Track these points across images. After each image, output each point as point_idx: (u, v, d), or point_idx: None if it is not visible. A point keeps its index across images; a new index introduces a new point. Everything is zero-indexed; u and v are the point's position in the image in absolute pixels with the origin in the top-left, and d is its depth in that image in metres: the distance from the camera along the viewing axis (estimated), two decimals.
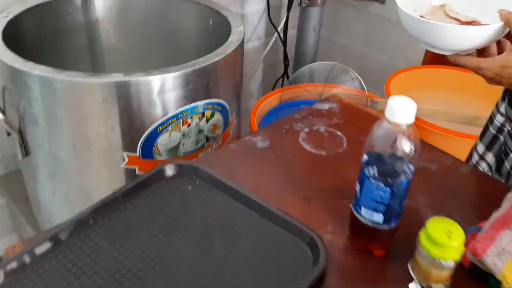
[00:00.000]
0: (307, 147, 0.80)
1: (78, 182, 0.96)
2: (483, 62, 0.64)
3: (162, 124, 0.92)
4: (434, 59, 1.74)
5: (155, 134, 0.92)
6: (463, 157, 0.97)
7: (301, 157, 0.78)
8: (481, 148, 0.89)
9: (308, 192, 0.70)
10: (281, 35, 1.80)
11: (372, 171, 0.56)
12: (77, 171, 0.94)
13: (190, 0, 1.24)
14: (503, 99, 0.83)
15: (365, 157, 0.57)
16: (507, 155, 0.82)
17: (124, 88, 0.86)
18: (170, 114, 0.92)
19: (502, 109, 0.83)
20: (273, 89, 1.94)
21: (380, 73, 1.86)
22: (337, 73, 1.48)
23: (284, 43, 1.82)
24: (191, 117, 0.96)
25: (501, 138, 0.85)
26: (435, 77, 1.66)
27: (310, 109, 0.90)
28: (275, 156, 0.77)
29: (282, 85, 1.93)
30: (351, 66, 1.97)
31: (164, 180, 0.66)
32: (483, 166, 0.89)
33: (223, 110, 1.02)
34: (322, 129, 0.85)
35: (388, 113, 0.53)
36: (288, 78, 1.90)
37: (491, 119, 0.87)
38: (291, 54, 1.83)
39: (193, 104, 0.94)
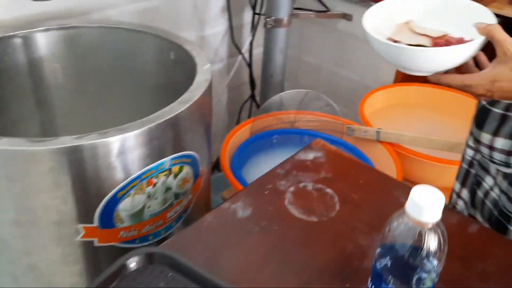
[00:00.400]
0: (295, 212, 0.69)
1: (26, 261, 0.81)
2: (470, 79, 0.60)
3: (122, 188, 0.79)
4: (407, 76, 1.68)
5: (115, 201, 0.79)
6: (447, 183, 0.94)
7: (290, 228, 0.67)
8: (457, 186, 0.86)
9: (306, 275, 0.59)
10: (246, 56, 1.69)
11: (390, 276, 0.45)
12: (24, 250, 0.80)
13: (147, 33, 1.11)
14: (473, 126, 0.78)
15: (379, 251, 0.47)
16: (479, 184, 0.78)
17: (76, 153, 0.72)
18: (132, 176, 0.79)
19: (471, 142, 0.79)
20: (239, 112, 1.84)
21: (352, 92, 1.79)
22: (309, 100, 1.39)
23: (250, 65, 1.71)
24: (157, 176, 0.83)
25: (473, 171, 0.81)
26: (410, 95, 1.60)
27: (293, 161, 0.80)
28: (261, 229, 0.66)
29: (250, 108, 1.82)
30: (320, 86, 1.89)
31: (130, 277, 0.54)
32: (460, 204, 0.85)
33: (192, 162, 0.90)
34: (310, 186, 0.74)
35: (412, 210, 0.43)
36: (255, 100, 1.80)
37: (462, 156, 0.84)
38: (256, 74, 1.73)
39: (158, 162, 0.82)
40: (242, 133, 1.37)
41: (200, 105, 0.87)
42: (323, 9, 1.67)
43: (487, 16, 0.63)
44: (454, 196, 0.87)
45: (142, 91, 1.18)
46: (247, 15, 1.69)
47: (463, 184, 0.84)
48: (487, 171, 0.76)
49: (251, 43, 1.66)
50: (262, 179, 0.76)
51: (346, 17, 1.66)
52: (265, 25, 1.54)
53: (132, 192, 0.81)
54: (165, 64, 1.11)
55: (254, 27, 1.64)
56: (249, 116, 1.82)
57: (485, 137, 0.72)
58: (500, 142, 0.69)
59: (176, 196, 0.90)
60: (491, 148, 0.71)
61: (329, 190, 0.74)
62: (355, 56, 1.72)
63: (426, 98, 1.59)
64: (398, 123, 1.46)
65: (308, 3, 1.70)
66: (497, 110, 0.71)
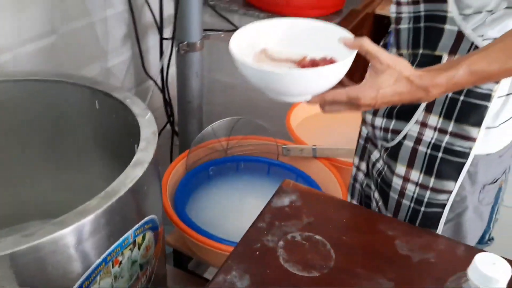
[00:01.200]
0: (295, 270, 0.66)
1: None
2: (357, 91, 0.61)
3: (87, 278, 0.68)
4: None
5: None
6: None
7: None
8: (356, 160, 0.94)
9: None
10: (158, 82, 1.60)
11: None
12: None
13: (62, 82, 0.97)
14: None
15: None
16: (369, 157, 0.88)
17: (24, 257, 0.60)
18: (96, 262, 0.68)
19: (368, 120, 0.85)
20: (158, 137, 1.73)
21: (272, 105, 1.78)
22: (242, 125, 1.35)
23: (163, 90, 1.62)
24: (122, 253, 0.73)
25: (368, 146, 0.91)
26: None
27: (271, 210, 0.76)
28: None
29: (172, 135, 1.73)
30: (237, 104, 1.86)
31: None
32: (360, 176, 0.93)
33: (153, 225, 0.81)
34: (298, 236, 0.71)
35: (477, 280, 0.42)
36: (172, 126, 1.71)
37: (359, 133, 0.92)
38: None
39: (122, 238, 0.72)
40: (177, 169, 1.29)
41: (155, 162, 0.78)
42: (232, 28, 1.64)
43: (343, 34, 0.65)
44: (355, 169, 0.95)
45: (66, 147, 1.04)
46: (153, 40, 1.60)
47: (361, 158, 0.93)
48: (375, 145, 0.85)
49: (161, 69, 1.57)
50: (246, 238, 0.71)
51: None
52: (178, 50, 1.46)
53: (98, 278, 0.70)
54: (91, 112, 0.98)
55: (162, 52, 1.55)
56: (171, 145, 1.73)
57: (368, 118, 0.82)
58: (379, 121, 0.79)
59: (141, 267, 0.80)
60: (373, 126, 0.80)
61: (318, 237, 0.71)
62: None
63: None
64: (327, 131, 1.50)
65: (215, 24, 1.66)
66: None
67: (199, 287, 1.28)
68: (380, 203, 0.83)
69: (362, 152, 0.93)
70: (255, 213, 1.33)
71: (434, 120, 0.73)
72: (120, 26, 1.47)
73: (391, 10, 0.74)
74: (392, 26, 0.75)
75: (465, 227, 0.78)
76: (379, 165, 0.84)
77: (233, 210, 1.32)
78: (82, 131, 1.02)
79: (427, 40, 0.70)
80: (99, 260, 0.69)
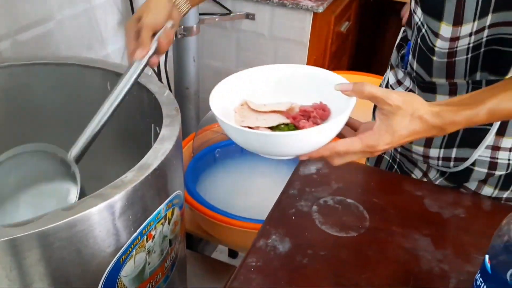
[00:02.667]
0: (333, 231, 0.67)
1: None
2: (370, 139, 0.56)
3: (124, 252, 0.67)
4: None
5: (117, 269, 0.67)
6: None
7: (336, 249, 0.64)
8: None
9: None
10: (154, 68, 1.58)
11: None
12: None
13: (71, 65, 0.95)
14: None
15: (494, 250, 0.47)
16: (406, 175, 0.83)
17: (64, 232, 0.59)
18: (134, 235, 0.68)
19: (419, 151, 0.80)
20: None
21: None
22: None
23: (160, 76, 1.60)
24: (155, 227, 0.73)
25: (386, 157, 0.87)
26: None
27: (300, 178, 0.77)
28: (309, 259, 0.62)
29: None
30: None
31: None
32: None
33: (180, 201, 0.81)
34: (330, 201, 0.72)
35: None
36: None
37: None
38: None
39: (155, 211, 0.71)
40: (183, 154, 1.28)
41: (179, 139, 0.78)
42: (225, 11, 1.63)
43: (332, 78, 0.59)
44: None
45: (76, 132, 1.02)
46: None
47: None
48: (415, 164, 0.82)
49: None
50: (281, 204, 0.71)
51: (249, 16, 1.65)
52: (175, 35, 1.45)
53: (134, 252, 0.69)
54: (101, 97, 0.97)
55: None
56: None
57: (417, 149, 0.76)
58: (435, 152, 0.73)
59: (170, 242, 0.80)
60: (426, 157, 0.75)
61: (350, 200, 0.72)
62: (263, 54, 1.73)
63: None
64: None
65: (208, 8, 1.65)
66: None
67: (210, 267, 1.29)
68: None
69: (377, 162, 0.89)
70: (262, 193, 1.35)
71: (508, 142, 0.70)
72: (117, 12, 1.44)
73: (438, 46, 0.66)
74: (439, 60, 0.68)
75: None
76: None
77: (241, 190, 1.33)
78: (92, 116, 1.01)
79: (493, 66, 0.65)
80: (135, 234, 0.68)
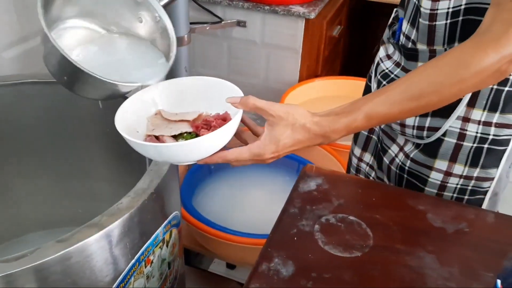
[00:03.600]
0: (337, 252, 0.65)
1: None
2: (257, 148, 0.61)
3: (122, 280, 0.65)
4: (309, 74, 1.73)
5: None
6: None
7: (340, 271, 0.63)
8: (357, 150, 0.94)
9: None
10: None
11: None
12: None
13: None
14: None
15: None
16: (384, 151, 0.85)
17: (58, 264, 0.57)
18: (131, 262, 0.66)
19: None
20: None
21: (264, 96, 1.77)
22: None
23: None
24: (153, 252, 0.71)
25: (374, 137, 0.90)
26: (328, 89, 1.65)
27: (300, 195, 0.75)
28: (314, 282, 0.61)
29: None
30: None
31: None
32: (363, 167, 0.93)
33: (177, 222, 0.79)
34: (332, 219, 0.71)
35: None
36: None
37: None
38: None
39: (153, 235, 0.69)
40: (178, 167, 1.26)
41: None
42: (216, 19, 1.62)
43: (230, 88, 0.64)
44: (355, 160, 0.95)
45: (66, 152, 1.00)
46: None
47: (364, 149, 0.92)
48: (393, 140, 0.83)
49: None
50: (281, 224, 0.70)
51: (240, 24, 1.63)
52: None
53: (132, 279, 0.67)
54: (92, 116, 0.95)
55: None
56: None
57: None
58: (411, 120, 0.76)
59: (169, 265, 0.78)
60: (402, 125, 0.78)
61: (352, 218, 0.71)
62: (255, 61, 1.71)
63: (346, 90, 1.66)
64: None
65: (199, 17, 1.63)
66: None
67: (209, 281, 1.27)
68: None
69: (366, 143, 0.92)
70: (259, 204, 1.33)
71: (477, 114, 0.71)
72: None
73: (424, 6, 0.69)
74: (423, 22, 0.70)
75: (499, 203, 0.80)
76: (399, 160, 0.81)
77: (237, 202, 1.31)
78: (83, 134, 0.99)
79: (470, 34, 0.65)
80: (133, 261, 0.66)
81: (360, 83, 1.63)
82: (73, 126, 0.99)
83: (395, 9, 0.86)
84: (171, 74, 1.56)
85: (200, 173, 1.30)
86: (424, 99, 0.60)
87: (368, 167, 0.93)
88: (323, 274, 0.62)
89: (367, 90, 0.90)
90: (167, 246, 0.75)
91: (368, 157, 0.92)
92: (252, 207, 1.32)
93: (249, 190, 1.35)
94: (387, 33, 0.85)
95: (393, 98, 0.60)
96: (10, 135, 0.98)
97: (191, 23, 1.52)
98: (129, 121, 0.64)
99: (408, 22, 0.75)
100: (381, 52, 0.85)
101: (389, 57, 0.82)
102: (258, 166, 1.37)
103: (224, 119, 0.64)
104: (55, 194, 1.08)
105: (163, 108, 0.68)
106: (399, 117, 0.63)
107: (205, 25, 1.58)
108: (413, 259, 0.64)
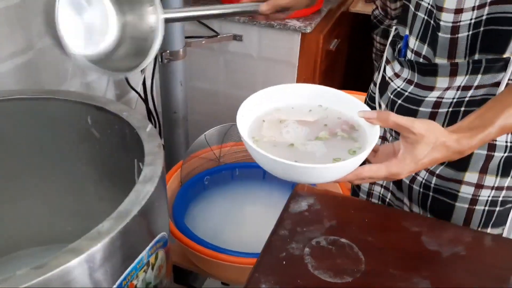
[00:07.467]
0: (327, 277, 0.62)
1: None
2: (395, 167, 0.59)
3: None
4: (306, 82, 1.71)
5: None
6: None
7: None
8: None
9: None
10: (141, 93, 1.54)
11: None
12: None
13: (49, 99, 0.91)
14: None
15: None
16: None
17: None
18: None
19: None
20: None
21: None
22: (234, 132, 1.31)
23: (146, 102, 1.57)
24: (137, 276, 0.68)
25: None
26: None
27: (290, 216, 0.72)
28: None
29: None
30: (220, 112, 1.82)
31: None
32: (377, 190, 0.90)
33: (164, 243, 0.76)
34: (323, 242, 0.68)
35: None
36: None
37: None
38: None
39: (136, 260, 0.67)
40: (171, 184, 1.24)
41: (163, 177, 0.74)
42: (212, 33, 1.60)
43: (356, 104, 0.64)
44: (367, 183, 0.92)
45: (56, 170, 0.98)
46: None
47: None
48: None
49: (144, 80, 1.52)
50: (270, 247, 0.67)
51: (237, 38, 1.62)
52: (161, 60, 1.41)
53: None
54: (82, 132, 0.93)
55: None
56: None
57: None
58: None
59: None
60: None
61: (344, 240, 0.68)
62: (251, 75, 1.70)
63: None
64: None
65: (195, 30, 1.62)
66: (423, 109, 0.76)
67: None
68: (428, 216, 0.80)
69: None
70: (254, 220, 1.30)
71: None
72: None
73: (444, 20, 0.68)
74: (444, 36, 0.69)
75: None
76: (422, 177, 0.79)
77: (232, 219, 1.29)
78: (73, 151, 0.97)
79: (491, 44, 0.67)
80: (114, 287, 0.63)
81: (360, 97, 1.61)
82: (62, 143, 0.97)
83: (394, 27, 0.84)
84: (167, 89, 1.54)
85: (194, 189, 1.28)
86: None
87: (383, 189, 0.89)
88: None
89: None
90: (152, 269, 0.72)
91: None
92: (248, 223, 1.29)
93: (245, 206, 1.33)
94: (390, 52, 0.84)
95: None
96: None
97: (186, 37, 1.51)
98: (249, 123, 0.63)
99: (417, 38, 0.74)
100: (388, 72, 0.83)
101: (397, 75, 0.80)
102: (253, 180, 1.35)
103: (351, 127, 0.63)
104: (44, 212, 1.06)
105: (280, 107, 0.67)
106: None
107: (201, 39, 1.57)
108: (407, 285, 0.62)
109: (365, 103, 0.92)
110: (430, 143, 0.58)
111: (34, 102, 0.93)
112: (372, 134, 0.59)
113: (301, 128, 0.64)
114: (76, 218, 1.07)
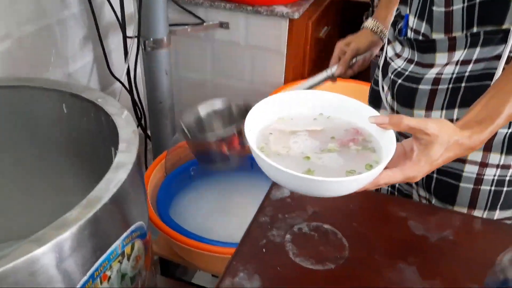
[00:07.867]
0: (308, 264, 0.60)
1: None
2: (410, 171, 0.56)
3: None
4: (295, 76, 1.68)
5: None
6: None
7: (314, 285, 0.57)
8: None
9: None
10: (125, 83, 1.50)
11: None
12: None
13: (23, 87, 0.88)
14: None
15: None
16: None
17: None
18: (83, 279, 0.60)
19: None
20: None
21: (246, 99, 1.72)
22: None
23: (131, 92, 1.53)
24: (110, 267, 0.65)
25: None
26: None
27: (272, 203, 0.69)
28: None
29: (144, 139, 1.63)
30: (206, 99, 1.78)
31: None
32: None
33: (141, 233, 0.73)
34: (306, 228, 0.65)
35: None
36: (144, 129, 1.62)
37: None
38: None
39: (109, 250, 0.64)
40: (156, 173, 1.20)
41: (138, 164, 0.71)
42: (198, 21, 1.57)
43: (365, 109, 0.59)
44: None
45: (33, 159, 0.94)
46: (117, 39, 1.50)
47: None
48: None
49: (128, 70, 1.48)
50: (250, 235, 0.64)
51: (223, 25, 1.58)
52: (144, 48, 1.37)
53: None
54: (57, 120, 0.89)
55: (127, 52, 1.46)
56: (144, 150, 1.64)
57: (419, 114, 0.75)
58: (437, 114, 0.73)
59: (132, 280, 0.72)
60: None
61: (327, 226, 0.65)
62: (239, 63, 1.66)
63: (334, 92, 1.61)
64: None
65: (180, 18, 1.58)
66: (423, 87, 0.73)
67: None
68: (434, 200, 0.77)
69: None
70: (242, 211, 1.27)
71: None
72: (80, 27, 1.37)
73: None
74: (438, 10, 0.68)
75: None
76: None
77: (219, 210, 1.25)
78: (49, 139, 0.93)
79: (489, 16, 0.65)
80: (85, 278, 0.60)
81: (350, 85, 1.58)
82: (38, 132, 0.93)
83: (396, 7, 0.83)
84: (151, 78, 1.50)
85: (180, 180, 1.24)
86: None
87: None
88: None
89: (374, 94, 0.87)
90: (128, 259, 0.69)
91: None
92: (235, 214, 1.26)
93: (232, 197, 1.29)
94: (391, 32, 0.82)
95: None
96: None
97: (171, 25, 1.47)
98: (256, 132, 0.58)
99: (415, 16, 0.73)
100: (389, 52, 0.82)
101: (398, 55, 0.79)
102: (242, 171, 1.32)
103: (360, 136, 0.59)
104: (22, 204, 1.02)
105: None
106: None
107: (186, 27, 1.53)
108: (393, 272, 0.59)
109: (370, 88, 0.90)
110: (444, 143, 0.56)
111: (8, 90, 0.89)
112: (386, 141, 0.55)
113: (311, 140, 0.59)
114: (54, 208, 1.03)
